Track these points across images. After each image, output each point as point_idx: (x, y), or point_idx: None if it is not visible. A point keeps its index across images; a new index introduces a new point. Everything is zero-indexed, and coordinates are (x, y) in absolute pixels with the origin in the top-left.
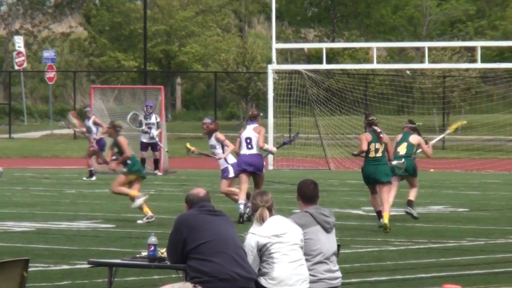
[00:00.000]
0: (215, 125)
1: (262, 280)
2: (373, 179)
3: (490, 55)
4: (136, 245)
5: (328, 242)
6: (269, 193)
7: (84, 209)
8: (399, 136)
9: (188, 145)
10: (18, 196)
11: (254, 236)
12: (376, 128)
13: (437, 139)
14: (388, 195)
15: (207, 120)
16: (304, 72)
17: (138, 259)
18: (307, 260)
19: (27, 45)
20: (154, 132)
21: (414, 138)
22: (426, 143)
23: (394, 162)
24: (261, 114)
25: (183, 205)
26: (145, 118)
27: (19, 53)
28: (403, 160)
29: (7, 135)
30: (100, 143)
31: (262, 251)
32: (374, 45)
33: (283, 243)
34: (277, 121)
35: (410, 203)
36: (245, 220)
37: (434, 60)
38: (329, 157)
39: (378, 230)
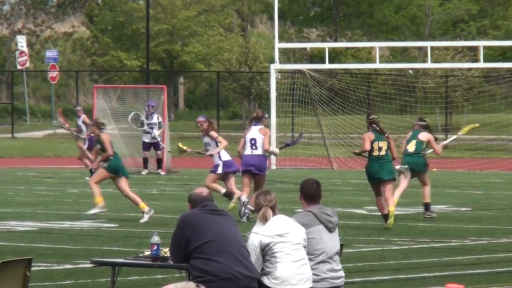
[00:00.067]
0: (209, 123)
1: (265, 280)
2: (377, 177)
3: (493, 54)
4: (139, 244)
5: (331, 242)
6: (273, 193)
7: (87, 208)
8: (409, 134)
9: (180, 144)
10: (21, 195)
11: (257, 235)
12: (377, 126)
13: (449, 140)
14: (392, 193)
15: (201, 119)
16: (306, 71)
17: (141, 258)
18: (310, 259)
19: (29, 44)
20: (156, 132)
21: (423, 136)
22: (436, 139)
23: (398, 167)
24: (266, 115)
25: (186, 205)
26: (147, 118)
27: (21, 52)
28: (406, 166)
29: (9, 135)
30: (91, 142)
31: (265, 251)
32: (376, 44)
33: (286, 243)
34: (280, 121)
35: (427, 206)
36: (245, 215)
37: (436, 60)
38: (332, 157)
39: (381, 229)
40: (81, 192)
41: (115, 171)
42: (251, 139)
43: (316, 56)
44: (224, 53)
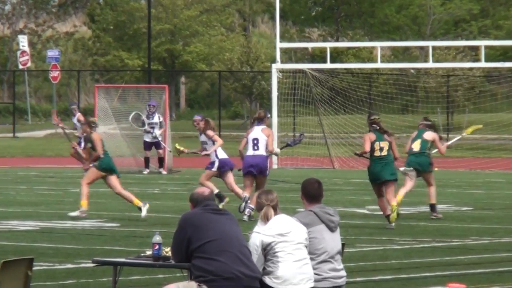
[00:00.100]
0: (205, 122)
1: (267, 279)
2: (379, 178)
3: (494, 54)
4: (141, 244)
5: (332, 241)
6: (274, 192)
7: (89, 208)
8: (415, 133)
9: (177, 145)
10: (23, 195)
11: (259, 235)
12: (377, 126)
13: (453, 141)
14: (394, 194)
15: (197, 117)
16: (308, 71)
17: (142, 258)
18: (311, 259)
19: (31, 44)
20: (157, 131)
21: (428, 135)
22: (440, 138)
23: (402, 169)
24: (269, 115)
25: (187, 204)
26: (148, 117)
27: (23, 52)
28: (411, 168)
29: (11, 134)
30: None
31: (267, 250)
32: (378, 44)
33: (288, 242)
34: (281, 120)
35: (433, 207)
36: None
37: (438, 59)
38: (333, 156)
39: (383, 229)
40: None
41: (107, 169)
42: (254, 139)
43: (318, 56)
44: (226, 52)
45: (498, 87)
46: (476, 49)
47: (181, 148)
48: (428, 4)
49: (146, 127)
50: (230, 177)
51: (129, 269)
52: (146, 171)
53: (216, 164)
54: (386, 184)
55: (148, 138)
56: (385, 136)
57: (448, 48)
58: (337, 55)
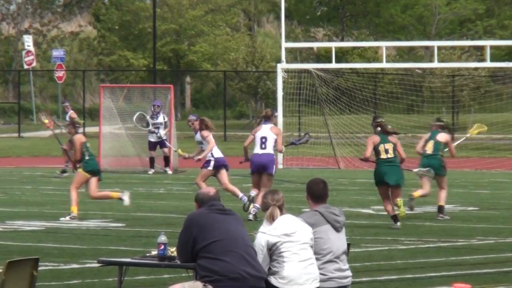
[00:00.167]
0: (200, 122)
1: (272, 279)
2: (384, 180)
3: (499, 54)
4: (146, 244)
5: (338, 241)
6: (280, 192)
7: (94, 208)
8: (428, 134)
9: (180, 151)
10: (28, 195)
11: (264, 235)
12: (383, 128)
13: (459, 142)
14: (400, 197)
15: (192, 117)
16: (313, 71)
17: (148, 258)
18: (317, 259)
19: (36, 44)
20: (162, 131)
21: (442, 137)
22: (453, 139)
23: (415, 170)
24: (276, 114)
25: (193, 204)
26: (152, 117)
27: (28, 52)
28: (427, 168)
29: (16, 134)
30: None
31: (272, 250)
32: (383, 44)
33: (293, 242)
34: (287, 120)
35: (441, 209)
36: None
37: (443, 59)
38: (338, 156)
39: (388, 229)
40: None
41: (92, 172)
42: (262, 137)
43: (323, 56)
44: (231, 52)
45: (503, 87)
46: (481, 49)
47: (183, 154)
48: (433, 4)
49: (151, 127)
50: (225, 177)
51: (135, 269)
52: (151, 171)
53: (212, 163)
54: (392, 189)
55: (152, 138)
56: (389, 137)
57: (453, 48)
58: (342, 55)
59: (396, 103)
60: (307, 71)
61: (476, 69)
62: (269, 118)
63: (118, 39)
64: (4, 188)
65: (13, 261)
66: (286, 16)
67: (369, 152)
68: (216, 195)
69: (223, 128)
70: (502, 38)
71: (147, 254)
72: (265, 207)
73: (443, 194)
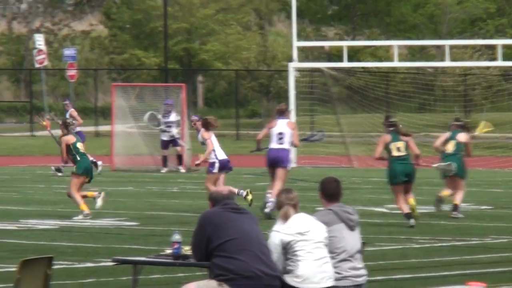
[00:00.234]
0: (202, 122)
1: (287, 278)
2: (397, 177)
3: (511, 53)
4: (160, 243)
5: (352, 240)
6: (294, 191)
7: (108, 206)
8: (448, 134)
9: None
10: (41, 193)
11: (278, 234)
12: (395, 128)
13: None
14: (413, 195)
15: (194, 118)
16: (325, 70)
17: (162, 257)
18: (331, 257)
19: (47, 43)
20: (174, 130)
21: (462, 137)
22: (472, 138)
23: (435, 165)
24: (290, 109)
25: (206, 203)
26: (164, 116)
27: (39, 51)
28: (448, 162)
29: (29, 133)
30: (80, 136)
31: (286, 249)
32: (394, 43)
33: (307, 241)
34: (299, 119)
35: (455, 207)
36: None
37: (455, 58)
38: (352, 155)
39: (402, 227)
40: (102, 190)
41: (86, 172)
42: (279, 133)
43: (334, 55)
44: (243, 51)
45: None
46: (492, 48)
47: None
48: (444, 3)
49: (162, 126)
50: (221, 178)
51: (149, 267)
52: (164, 170)
53: (217, 165)
54: (405, 184)
55: (165, 137)
56: (401, 136)
57: (465, 47)
58: (354, 54)
59: (408, 102)
60: (319, 70)
61: (488, 68)
62: (283, 112)
63: (130, 38)
64: (17, 187)
65: (27, 260)
66: (297, 15)
67: (378, 152)
68: (230, 194)
69: (235, 127)
70: None
71: (161, 253)
72: (279, 206)
73: (460, 195)
